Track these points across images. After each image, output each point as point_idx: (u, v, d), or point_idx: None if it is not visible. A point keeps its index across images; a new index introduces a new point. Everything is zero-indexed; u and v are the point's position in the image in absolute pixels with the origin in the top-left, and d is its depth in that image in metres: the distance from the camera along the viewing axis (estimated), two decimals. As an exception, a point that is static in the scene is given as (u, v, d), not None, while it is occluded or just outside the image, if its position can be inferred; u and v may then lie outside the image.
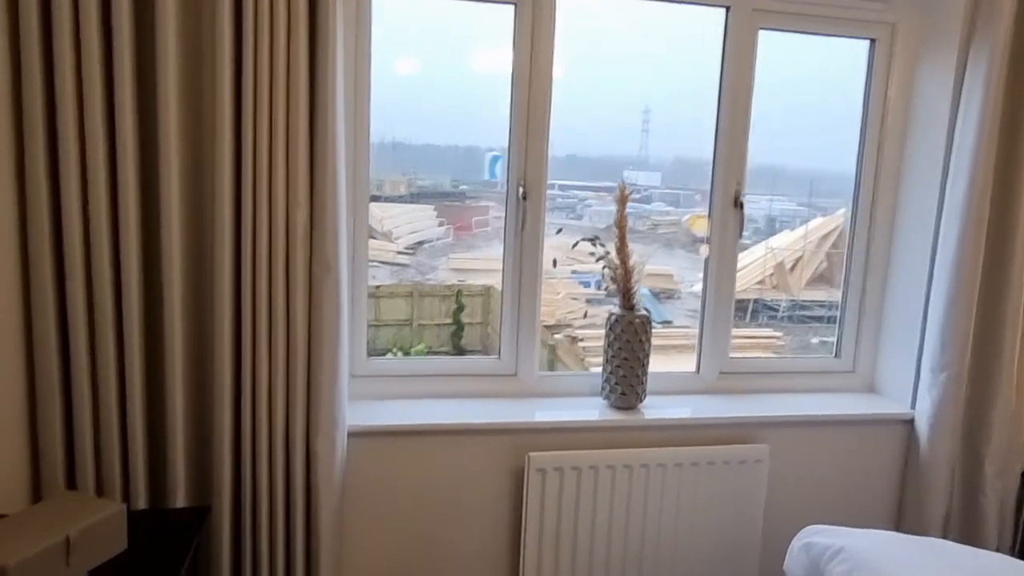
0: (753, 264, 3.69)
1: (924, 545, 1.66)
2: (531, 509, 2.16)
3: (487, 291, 3.29)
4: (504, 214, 2.32)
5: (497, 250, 2.36)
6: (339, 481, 2.00)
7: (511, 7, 2.20)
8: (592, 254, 2.31)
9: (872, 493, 2.51)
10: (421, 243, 3.29)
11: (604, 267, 2.28)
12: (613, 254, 2.25)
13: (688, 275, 3.43)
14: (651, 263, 2.40)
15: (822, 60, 2.65)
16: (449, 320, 3.30)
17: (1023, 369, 2.34)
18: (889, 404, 2.54)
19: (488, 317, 3.29)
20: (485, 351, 3.30)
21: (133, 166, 1.72)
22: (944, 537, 2.37)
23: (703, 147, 2.45)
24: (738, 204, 2.44)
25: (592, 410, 2.31)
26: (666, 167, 3.22)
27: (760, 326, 3.70)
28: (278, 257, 1.84)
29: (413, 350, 3.15)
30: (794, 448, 2.41)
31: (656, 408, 2.34)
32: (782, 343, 3.42)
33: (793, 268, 3.57)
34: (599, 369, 2.35)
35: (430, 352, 3.22)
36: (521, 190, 2.26)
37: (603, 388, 2.34)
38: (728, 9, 2.34)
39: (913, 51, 2.47)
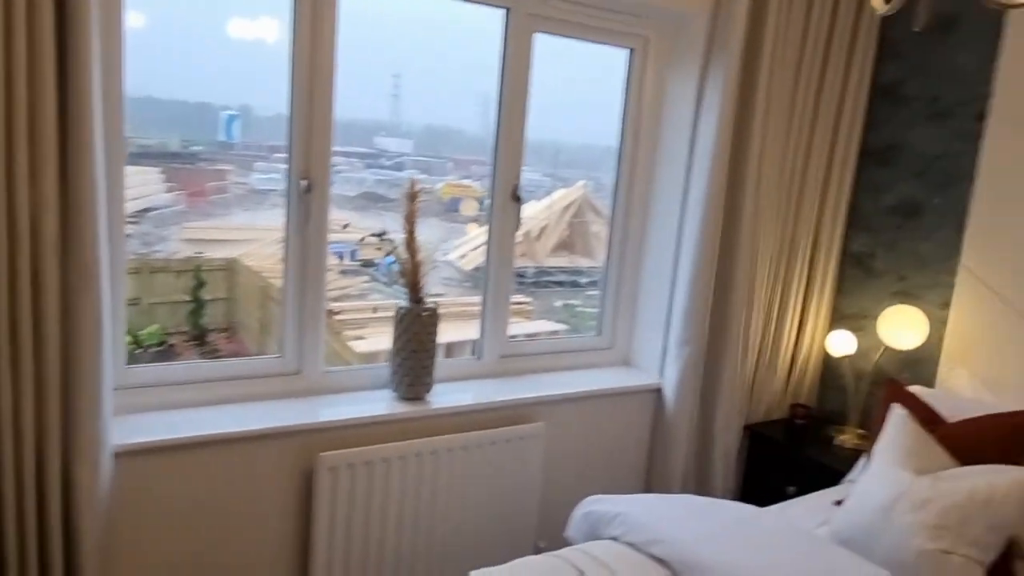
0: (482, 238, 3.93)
1: (683, 502, 1.95)
2: (321, 510, 2.14)
3: (231, 264, 3.05)
4: (285, 205, 2.21)
5: (239, 218, 2.22)
6: (103, 510, 1.81)
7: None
8: (379, 248, 2.30)
9: (628, 456, 2.85)
10: (146, 210, 2.89)
11: (392, 261, 2.28)
12: (401, 248, 2.26)
13: (440, 244, 3.53)
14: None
15: (598, 59, 2.85)
16: (188, 298, 2.99)
17: (746, 342, 2.78)
18: (642, 376, 2.88)
19: (235, 293, 3.07)
20: (232, 331, 3.08)
21: None
22: (683, 489, 2.79)
23: (455, 116, 2.51)
24: (516, 198, 2.57)
25: (381, 403, 2.33)
26: (418, 134, 3.20)
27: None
28: (22, 267, 1.60)
29: (144, 333, 2.83)
30: (565, 423, 2.64)
31: (442, 396, 2.42)
32: (531, 307, 3.60)
33: (539, 236, 3.72)
34: (359, 343, 2.34)
35: (167, 335, 2.90)
36: (304, 183, 2.17)
37: (392, 380, 2.36)
38: (508, 11, 2.42)
39: (664, 62, 2.77)
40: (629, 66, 2.78)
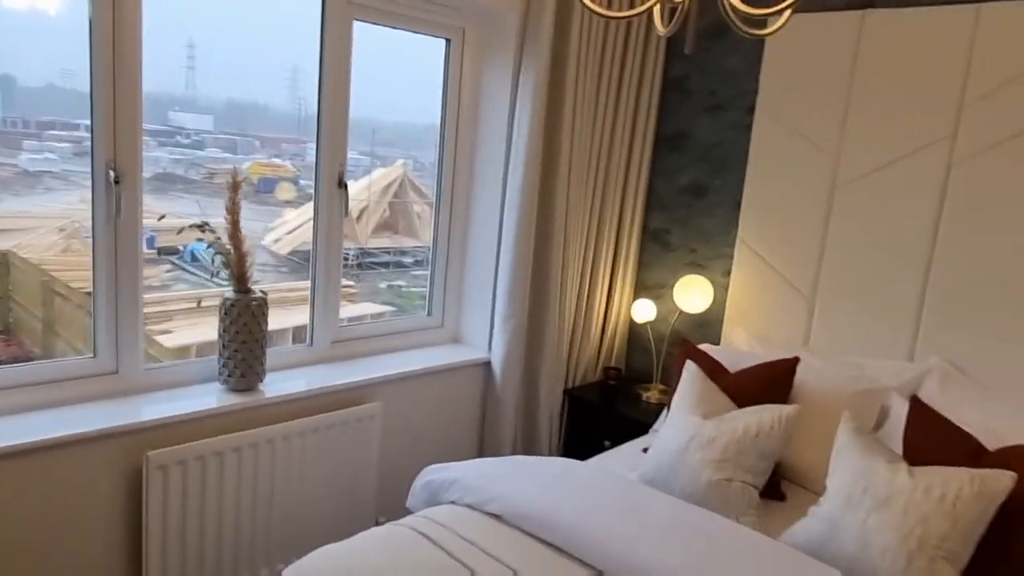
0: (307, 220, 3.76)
1: (513, 462, 2.12)
2: (152, 510, 2.08)
3: (3, 257, 2.76)
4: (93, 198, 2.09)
5: (7, 204, 2.05)
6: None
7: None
8: (200, 240, 2.24)
9: (462, 426, 3.02)
10: None
11: (215, 252, 2.24)
12: (224, 238, 2.22)
13: (251, 226, 3.30)
14: (212, 214, 2.30)
15: (414, 41, 2.88)
16: None
17: (562, 314, 3.04)
18: (471, 351, 3.05)
19: (8, 291, 2.78)
20: (8, 333, 2.80)
21: None
22: (513, 452, 3.01)
23: (261, 91, 2.44)
24: (342, 184, 2.60)
25: (210, 397, 2.29)
26: (219, 110, 2.93)
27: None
28: None
29: None
30: (401, 401, 2.74)
31: (276, 384, 2.42)
32: (355, 291, 3.51)
33: (359, 217, 3.65)
34: (167, 337, 2.28)
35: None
36: (112, 173, 2.06)
37: (221, 373, 2.33)
38: (324, 1, 2.43)
39: (481, 52, 2.91)
40: (447, 54, 2.89)
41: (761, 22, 1.56)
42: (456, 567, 1.65)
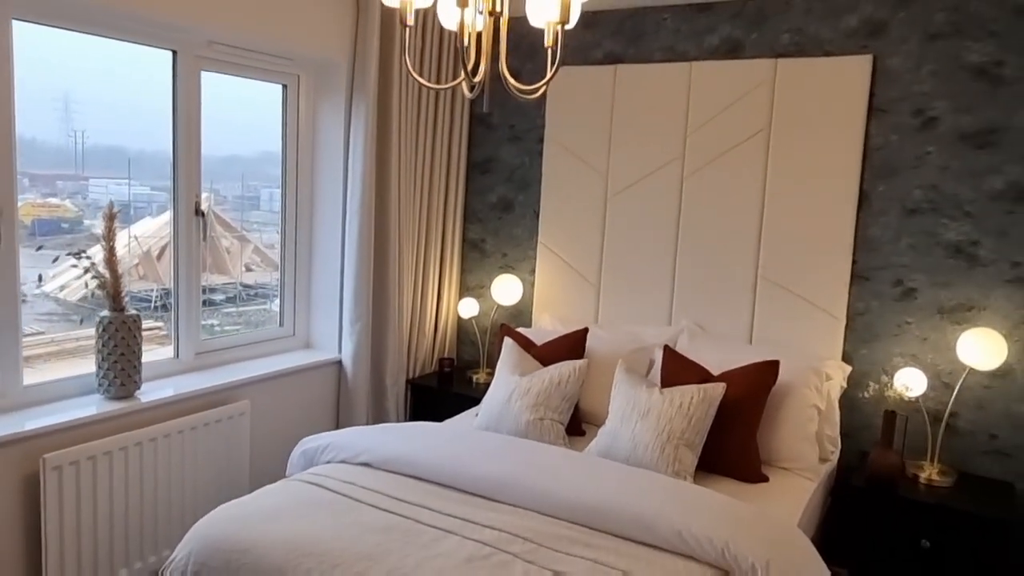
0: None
1: (379, 427, 2.60)
2: (50, 508, 2.31)
3: None
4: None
5: None
6: None
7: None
8: (75, 266, 2.52)
9: (321, 417, 3.44)
10: None
11: (92, 276, 2.52)
12: (100, 265, 2.52)
13: (27, 274, 2.63)
14: None
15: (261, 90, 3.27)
16: None
17: (400, 315, 3.57)
18: (323, 354, 3.48)
19: None
20: None
21: None
22: (368, 436, 3.47)
23: (24, 123, 2.26)
24: (199, 212, 2.96)
25: (92, 406, 2.55)
26: None
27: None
28: None
29: None
30: (264, 401, 3.12)
31: (152, 392, 2.72)
32: (164, 333, 3.17)
33: (160, 255, 3.29)
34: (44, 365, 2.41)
35: None
36: (-8, 209, 2.31)
37: (100, 384, 2.59)
38: (175, 53, 2.80)
39: (314, 95, 3.39)
40: (284, 97, 3.34)
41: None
42: (336, 498, 2.13)
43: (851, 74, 2.95)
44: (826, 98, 3.00)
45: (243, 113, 3.28)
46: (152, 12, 2.52)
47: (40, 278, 2.53)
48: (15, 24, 2.32)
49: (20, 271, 2.40)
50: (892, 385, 2.79)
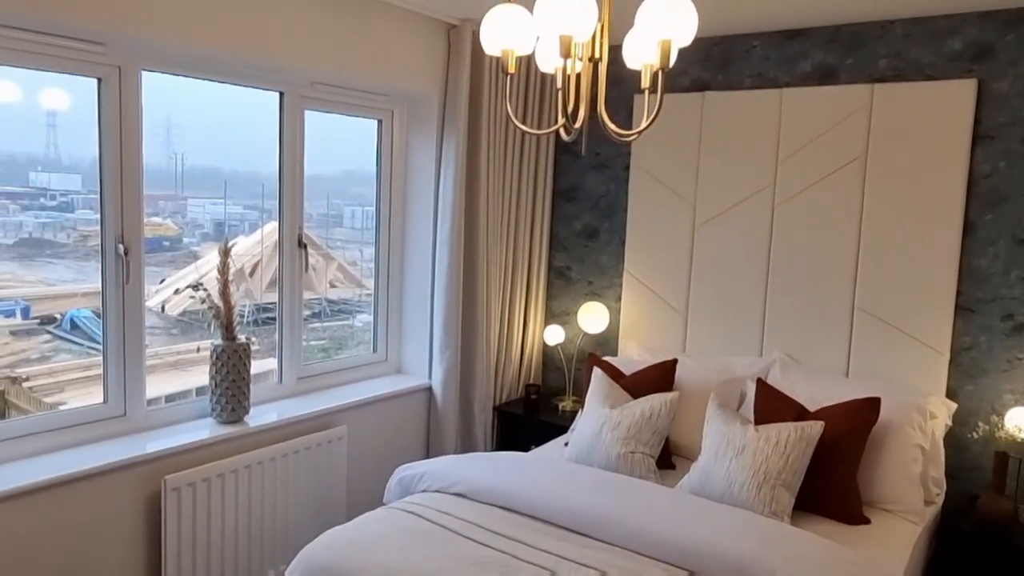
0: (212, 274, 3.19)
1: (470, 456, 2.67)
2: (170, 526, 2.48)
3: None
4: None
5: None
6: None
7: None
8: (192, 298, 2.69)
9: (412, 442, 3.53)
10: None
11: (208, 307, 2.69)
12: (215, 296, 2.69)
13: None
14: (85, 282, 2.40)
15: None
16: None
17: (488, 342, 3.64)
18: (414, 379, 3.58)
19: None
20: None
21: None
22: (457, 460, 3.55)
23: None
24: (301, 245, 3.11)
25: (206, 430, 2.72)
26: (85, 168, 2.68)
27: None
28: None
29: None
30: (360, 425, 3.24)
31: (259, 416, 2.87)
32: (257, 348, 3.26)
33: (252, 272, 3.47)
34: (65, 406, 2.49)
35: None
36: (121, 247, 2.50)
37: (213, 409, 2.76)
38: (282, 94, 2.97)
39: (407, 129, 3.52)
40: (379, 131, 3.48)
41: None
42: (435, 528, 2.19)
43: (954, 99, 2.85)
44: (927, 124, 2.90)
45: (327, 134, 3.39)
46: (264, 59, 2.68)
47: (162, 281, 2.64)
48: (143, 74, 2.52)
49: (145, 297, 2.59)
50: (1003, 425, 2.66)
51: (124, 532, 2.46)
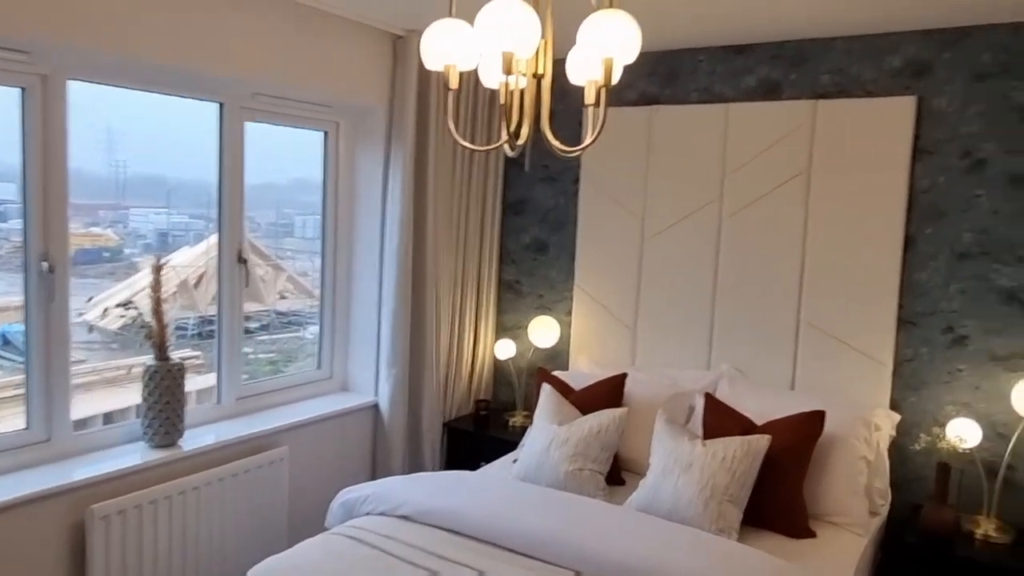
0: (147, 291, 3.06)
1: (414, 477, 2.59)
2: (96, 559, 2.35)
3: None
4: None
5: None
6: None
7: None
8: (122, 316, 2.57)
9: (357, 461, 3.44)
10: None
11: (140, 326, 2.57)
12: (147, 315, 2.57)
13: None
14: (18, 295, 2.30)
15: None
16: None
17: (437, 358, 3.57)
18: (360, 397, 3.49)
19: None
20: None
21: None
22: (405, 480, 3.46)
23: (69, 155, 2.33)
24: (241, 260, 3.01)
25: (137, 454, 2.59)
26: (19, 176, 2.48)
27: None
28: None
29: None
30: (304, 444, 3.13)
31: (194, 439, 2.75)
32: (201, 361, 3.24)
33: (198, 284, 3.36)
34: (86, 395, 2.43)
35: None
36: (45, 264, 2.37)
37: (145, 432, 2.63)
38: (222, 105, 2.88)
39: (354, 141, 3.45)
40: (325, 143, 3.40)
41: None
42: (376, 553, 2.11)
43: (895, 115, 2.91)
44: (869, 139, 2.95)
45: (278, 142, 3.31)
46: (201, 69, 2.59)
47: (89, 299, 2.54)
48: (69, 84, 2.41)
49: (70, 317, 2.46)
50: (945, 436, 2.70)
51: (47, 564, 2.31)
